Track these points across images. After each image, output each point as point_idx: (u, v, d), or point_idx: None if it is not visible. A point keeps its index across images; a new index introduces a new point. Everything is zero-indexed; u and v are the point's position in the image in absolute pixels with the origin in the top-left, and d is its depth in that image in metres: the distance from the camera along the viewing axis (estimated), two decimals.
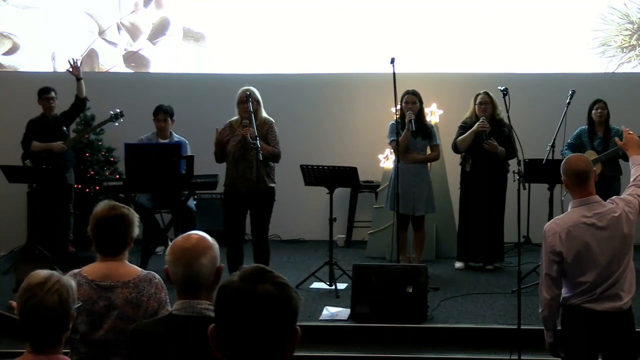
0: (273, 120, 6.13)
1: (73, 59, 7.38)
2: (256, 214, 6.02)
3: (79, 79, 7.36)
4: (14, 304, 2.69)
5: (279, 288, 1.63)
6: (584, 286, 3.68)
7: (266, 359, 1.62)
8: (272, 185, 6.09)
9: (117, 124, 7.35)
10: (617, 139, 4.32)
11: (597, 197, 3.73)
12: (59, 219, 7.57)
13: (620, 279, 3.68)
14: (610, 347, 3.74)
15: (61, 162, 7.39)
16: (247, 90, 5.94)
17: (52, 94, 7.50)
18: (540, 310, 3.81)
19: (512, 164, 5.96)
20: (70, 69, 7.35)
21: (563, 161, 3.83)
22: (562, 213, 6.55)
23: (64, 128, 7.50)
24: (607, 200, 3.76)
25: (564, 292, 3.76)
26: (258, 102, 6.02)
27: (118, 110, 7.28)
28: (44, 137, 7.41)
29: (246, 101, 5.84)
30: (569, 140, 7.03)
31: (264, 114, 6.10)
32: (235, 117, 6.09)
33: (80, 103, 7.45)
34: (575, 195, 3.75)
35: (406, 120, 6.52)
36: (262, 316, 1.60)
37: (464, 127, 6.90)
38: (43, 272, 2.54)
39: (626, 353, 3.74)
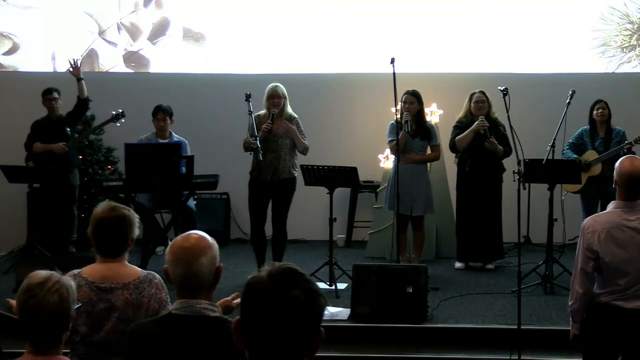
0: (297, 116, 6.57)
1: (73, 59, 7.36)
2: (277, 201, 6.47)
3: (79, 80, 7.34)
4: (12, 302, 2.69)
5: (308, 294, 1.67)
6: (617, 287, 3.68)
7: (289, 357, 1.67)
8: (295, 174, 6.52)
9: (118, 124, 7.34)
10: None
11: None
12: (62, 219, 7.56)
13: None
14: (633, 346, 3.73)
15: (64, 163, 7.38)
16: (275, 86, 6.47)
17: (55, 94, 7.48)
18: (570, 303, 3.82)
19: (511, 164, 5.96)
20: (71, 69, 7.34)
21: (620, 160, 3.81)
22: (562, 212, 6.62)
23: (67, 129, 7.49)
24: None
25: (595, 288, 3.76)
26: (285, 97, 6.49)
27: (120, 110, 7.25)
28: (47, 138, 7.40)
29: (275, 96, 6.40)
30: (571, 140, 7.03)
31: (289, 109, 6.53)
32: (263, 111, 6.49)
33: (82, 103, 7.43)
34: (621, 196, 3.74)
35: (402, 121, 6.52)
36: (288, 320, 1.64)
37: (459, 127, 6.90)
38: (43, 273, 2.54)
39: None
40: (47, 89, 7.50)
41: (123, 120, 7.30)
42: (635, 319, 3.67)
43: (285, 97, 6.47)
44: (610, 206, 3.79)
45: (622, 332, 3.70)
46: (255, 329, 1.66)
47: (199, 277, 2.57)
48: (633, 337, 3.70)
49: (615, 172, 3.77)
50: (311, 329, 1.67)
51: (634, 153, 6.68)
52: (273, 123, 6.32)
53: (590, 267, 3.70)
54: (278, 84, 6.52)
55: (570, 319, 3.86)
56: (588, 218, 3.84)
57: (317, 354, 1.70)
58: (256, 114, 6.47)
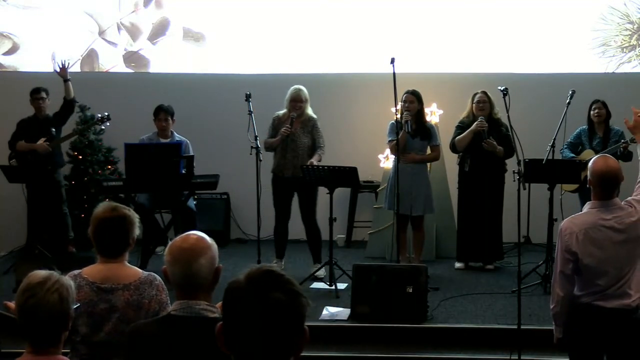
0: (316, 117, 6.77)
1: (62, 60, 7.38)
2: (302, 199, 6.75)
3: (66, 81, 7.35)
4: (10, 304, 2.69)
5: (289, 296, 1.65)
6: (597, 287, 3.69)
7: (274, 359, 1.65)
8: None
9: (103, 127, 7.37)
10: (626, 119, 4.26)
11: (618, 200, 3.73)
12: (55, 220, 7.56)
13: (630, 278, 3.69)
14: (616, 345, 3.74)
15: (48, 163, 7.37)
16: (299, 90, 6.68)
17: (43, 94, 7.49)
18: (551, 307, 3.83)
19: (511, 164, 5.96)
20: (58, 70, 7.35)
21: (593, 160, 3.81)
22: (562, 212, 6.62)
23: (53, 129, 7.48)
24: (624, 202, 3.76)
25: (576, 290, 3.77)
26: (306, 100, 6.72)
27: (106, 114, 7.29)
28: (32, 137, 7.39)
29: (297, 100, 6.63)
30: (569, 140, 7.04)
31: (310, 111, 6.75)
32: (283, 111, 6.74)
33: (68, 104, 7.43)
34: (596, 196, 3.74)
35: (402, 121, 6.53)
36: (271, 323, 1.62)
37: (461, 127, 6.90)
38: (42, 272, 2.54)
39: (632, 352, 3.74)
40: (35, 88, 7.52)
41: (108, 124, 7.33)
42: (617, 318, 3.68)
43: (306, 101, 6.71)
44: (587, 207, 3.78)
45: (605, 332, 3.71)
46: (238, 333, 1.64)
47: (198, 277, 2.56)
48: (616, 337, 3.72)
49: (588, 171, 3.77)
50: (295, 330, 1.66)
51: (630, 152, 6.70)
52: (292, 126, 6.55)
53: (569, 270, 3.71)
54: (301, 88, 6.72)
55: (553, 322, 3.87)
56: (565, 220, 3.83)
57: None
58: (276, 114, 6.73)
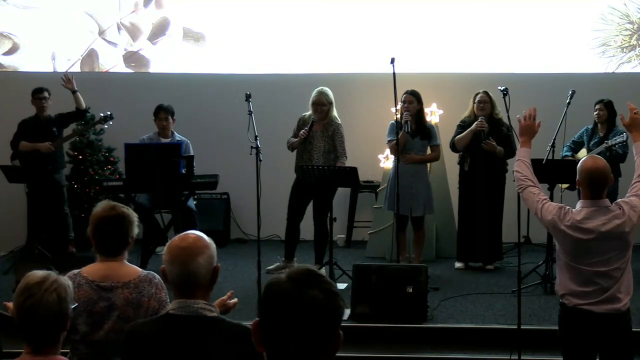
0: (340, 122, 6.65)
1: (65, 74, 7.38)
2: (318, 201, 6.63)
3: (74, 92, 7.34)
4: (9, 304, 2.69)
5: (327, 295, 1.68)
6: (588, 289, 3.68)
7: (306, 357, 1.66)
8: None
9: (106, 126, 7.37)
10: (622, 115, 4.23)
11: (607, 202, 3.71)
12: (55, 220, 7.56)
13: (619, 281, 3.68)
14: (608, 348, 3.76)
15: (51, 163, 7.37)
16: (320, 93, 6.58)
17: (45, 94, 7.47)
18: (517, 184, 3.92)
19: (512, 164, 5.95)
20: (64, 84, 7.34)
21: (581, 160, 3.80)
22: None
23: (55, 129, 7.48)
24: (614, 204, 3.74)
25: (565, 289, 3.76)
26: (330, 103, 6.62)
27: (108, 113, 7.29)
28: (34, 137, 7.38)
29: (318, 104, 6.54)
30: (573, 139, 7.03)
31: (334, 113, 6.66)
32: (309, 113, 6.65)
33: (80, 114, 7.45)
34: (585, 196, 3.73)
35: (402, 121, 6.52)
36: (307, 320, 1.64)
37: (462, 127, 6.90)
38: (40, 272, 2.55)
39: (623, 354, 3.76)
40: (38, 88, 7.50)
41: (111, 123, 7.33)
42: (607, 322, 3.68)
43: (330, 103, 6.60)
44: (578, 205, 3.77)
45: (596, 335, 3.71)
46: (275, 330, 1.66)
47: (196, 276, 2.56)
48: (607, 340, 3.73)
49: (577, 172, 3.75)
50: (330, 331, 1.67)
51: (620, 153, 6.64)
52: (310, 130, 6.49)
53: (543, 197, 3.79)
54: (322, 91, 6.61)
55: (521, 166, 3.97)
56: (548, 212, 3.77)
57: None
58: (303, 114, 6.66)
